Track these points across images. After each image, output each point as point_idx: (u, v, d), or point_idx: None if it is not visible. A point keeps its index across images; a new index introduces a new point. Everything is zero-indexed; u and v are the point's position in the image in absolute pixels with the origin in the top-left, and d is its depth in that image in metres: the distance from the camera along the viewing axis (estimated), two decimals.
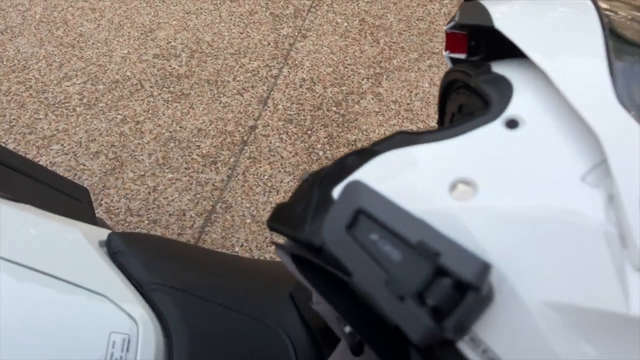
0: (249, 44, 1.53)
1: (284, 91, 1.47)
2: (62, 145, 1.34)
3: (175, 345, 0.49)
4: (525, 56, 0.38)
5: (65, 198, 0.70)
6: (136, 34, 1.53)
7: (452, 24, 0.45)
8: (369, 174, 0.36)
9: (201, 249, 0.60)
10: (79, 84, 1.44)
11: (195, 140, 1.37)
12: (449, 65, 0.50)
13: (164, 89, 1.44)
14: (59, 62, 1.46)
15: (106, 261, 0.51)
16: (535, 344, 0.29)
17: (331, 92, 1.48)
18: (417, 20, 1.62)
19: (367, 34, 1.58)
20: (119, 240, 0.53)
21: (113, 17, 1.55)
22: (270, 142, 1.38)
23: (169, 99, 1.43)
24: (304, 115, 1.43)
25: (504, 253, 0.30)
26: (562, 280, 0.29)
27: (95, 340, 0.46)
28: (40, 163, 1.29)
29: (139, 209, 1.28)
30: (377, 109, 1.46)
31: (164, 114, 1.41)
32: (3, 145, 1.30)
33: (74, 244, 0.51)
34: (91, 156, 1.34)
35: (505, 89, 0.38)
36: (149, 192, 1.30)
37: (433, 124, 1.44)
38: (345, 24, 1.59)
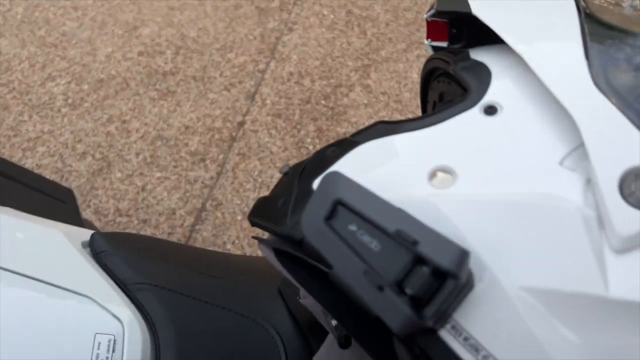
0: (234, 38, 1.52)
1: (272, 85, 1.46)
2: (47, 147, 1.33)
3: (162, 345, 0.48)
4: (504, 42, 0.38)
5: (49, 200, 0.69)
6: (120, 31, 1.52)
7: (432, 11, 0.45)
8: (348, 165, 0.36)
9: (187, 247, 0.59)
10: (63, 84, 1.42)
11: (183, 138, 1.36)
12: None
13: (150, 86, 1.43)
14: (42, 63, 1.44)
15: (89, 262, 0.50)
16: (516, 330, 0.28)
17: (319, 85, 1.47)
18: (404, 10, 1.61)
19: (354, 26, 1.57)
20: (102, 240, 0.53)
21: (96, 16, 1.54)
22: (259, 138, 1.38)
23: (155, 96, 1.42)
24: (292, 110, 1.43)
25: (483, 240, 0.30)
26: (542, 265, 0.29)
27: (80, 342, 0.45)
28: (26, 166, 1.28)
29: (128, 209, 1.27)
30: (366, 101, 1.46)
31: (150, 112, 1.39)
32: None
33: (56, 246, 0.50)
34: (78, 157, 1.32)
35: (483, 75, 0.37)
36: (138, 192, 1.29)
37: None
38: (332, 16, 1.58)
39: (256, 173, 1.33)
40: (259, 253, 1.21)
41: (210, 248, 1.23)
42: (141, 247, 0.56)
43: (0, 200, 0.55)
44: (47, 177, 1.25)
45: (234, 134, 1.37)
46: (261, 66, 1.49)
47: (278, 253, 0.40)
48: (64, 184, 1.28)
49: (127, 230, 1.24)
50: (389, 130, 0.37)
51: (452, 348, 0.29)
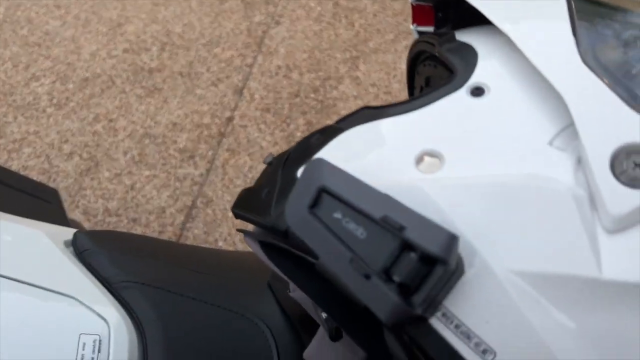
0: (221, 33, 1.50)
1: (260, 80, 1.44)
2: (33, 148, 1.31)
3: (149, 344, 0.47)
4: (490, 23, 0.37)
5: (33, 200, 0.67)
6: (104, 29, 1.50)
7: None
8: (333, 152, 0.35)
9: (175, 244, 0.58)
10: (47, 84, 1.40)
11: (171, 135, 1.34)
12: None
13: (136, 84, 1.41)
14: (26, 63, 1.42)
15: (72, 261, 0.49)
16: (508, 316, 0.28)
17: (308, 78, 1.46)
18: (392, 0, 1.60)
19: (342, 17, 1.56)
20: (86, 238, 0.52)
21: (79, 13, 1.52)
22: (249, 133, 1.36)
23: (142, 94, 1.40)
24: (281, 104, 1.41)
25: (473, 224, 0.29)
26: (533, 248, 0.28)
27: (64, 343, 0.44)
28: (12, 167, 1.26)
29: (117, 209, 1.25)
30: (355, 93, 1.45)
31: (137, 110, 1.38)
32: None
33: (37, 246, 0.49)
34: (65, 157, 1.31)
35: (469, 56, 0.36)
36: (127, 191, 1.27)
37: None
38: (319, 7, 1.57)
39: (246, 169, 1.32)
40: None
41: (202, 246, 1.22)
42: (126, 245, 0.55)
43: None
44: (34, 178, 1.23)
45: (222, 129, 1.36)
46: (248, 60, 1.47)
47: (264, 245, 0.39)
48: (52, 185, 1.26)
49: (117, 230, 1.22)
50: (374, 115, 0.36)
51: (443, 336, 0.28)
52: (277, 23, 1.54)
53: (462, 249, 0.28)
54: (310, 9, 1.56)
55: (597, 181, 0.28)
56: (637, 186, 0.28)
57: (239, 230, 0.42)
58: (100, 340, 0.45)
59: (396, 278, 0.27)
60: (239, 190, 1.30)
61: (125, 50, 1.47)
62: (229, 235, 1.25)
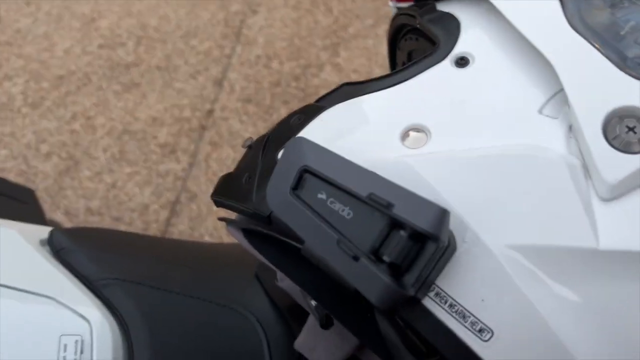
0: (197, 24, 1.47)
1: (240, 70, 1.42)
2: (10, 149, 1.28)
3: (134, 341, 0.46)
4: None
5: (7, 201, 0.65)
6: (77, 24, 1.46)
7: None
8: (314, 131, 0.34)
9: (157, 238, 0.56)
10: (21, 83, 1.37)
11: (151, 131, 1.32)
12: None
13: (113, 80, 1.38)
14: None
15: (49, 260, 0.47)
16: (505, 292, 0.26)
17: (289, 66, 1.44)
18: None
19: (320, 4, 1.53)
20: (62, 236, 0.50)
21: (51, 10, 1.47)
22: (231, 125, 1.34)
23: (119, 90, 1.37)
24: (262, 94, 1.39)
25: (463, 199, 0.28)
26: (528, 220, 0.27)
27: (44, 346, 0.42)
28: None
29: (99, 208, 1.23)
30: (337, 80, 1.43)
31: (115, 107, 1.35)
32: None
33: (10, 246, 0.47)
34: (43, 158, 1.27)
35: (451, 26, 0.35)
36: (108, 189, 1.24)
37: None
38: None
39: (230, 161, 1.29)
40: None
41: (185, 239, 1.20)
42: (105, 241, 0.53)
43: None
44: (12, 180, 1.20)
45: (203, 122, 1.34)
46: (227, 51, 1.45)
47: (248, 233, 0.37)
48: (31, 186, 1.22)
49: (95, 227, 1.20)
50: (355, 92, 0.34)
51: (437, 317, 0.27)
52: (255, 12, 1.51)
53: (453, 224, 0.27)
54: None
55: (590, 148, 0.27)
56: (630, 151, 0.27)
57: (221, 219, 0.40)
58: (82, 341, 0.43)
59: (386, 258, 0.25)
60: None
61: (100, 46, 1.43)
62: (214, 229, 1.23)
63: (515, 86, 0.31)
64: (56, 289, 0.45)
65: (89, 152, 1.29)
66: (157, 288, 0.49)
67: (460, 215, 0.27)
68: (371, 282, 0.25)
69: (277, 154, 0.34)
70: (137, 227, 1.21)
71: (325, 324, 0.42)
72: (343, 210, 0.27)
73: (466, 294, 0.27)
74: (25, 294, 0.43)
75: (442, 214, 0.25)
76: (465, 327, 0.27)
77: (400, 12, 0.42)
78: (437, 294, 0.27)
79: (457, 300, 0.27)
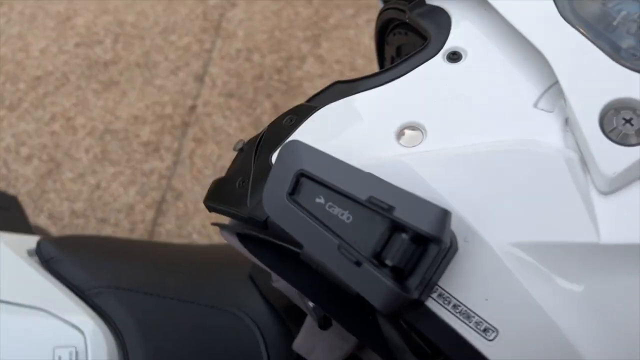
0: (176, 19, 1.45)
1: (221, 65, 1.40)
2: None
3: (130, 350, 0.45)
4: None
5: None
6: (52, 23, 1.43)
7: None
8: (307, 132, 0.33)
9: (148, 243, 0.56)
10: None
11: (134, 129, 1.30)
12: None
13: (92, 78, 1.36)
14: None
15: (38, 271, 0.46)
16: (509, 290, 0.26)
17: (270, 59, 1.42)
18: None
19: None
20: (51, 246, 0.48)
21: (24, 9, 1.44)
22: (214, 121, 1.32)
23: (99, 89, 1.34)
24: (245, 88, 1.37)
25: (463, 197, 0.28)
26: (528, 217, 0.27)
27: (38, 359, 0.41)
28: None
29: (84, 210, 1.21)
30: (320, 72, 1.42)
31: (95, 106, 1.32)
32: None
33: None
34: (23, 161, 1.25)
35: (442, 20, 0.34)
36: (92, 191, 1.22)
37: None
38: None
39: (215, 158, 1.28)
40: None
41: (176, 240, 1.19)
42: (95, 249, 0.52)
43: None
44: None
45: (186, 119, 1.32)
46: (207, 45, 1.43)
47: (242, 238, 0.37)
48: (12, 191, 1.20)
49: (86, 232, 1.18)
50: (347, 90, 0.33)
51: (441, 318, 0.27)
52: (234, 5, 1.49)
53: (453, 224, 0.27)
54: None
55: (587, 141, 0.27)
56: (628, 143, 0.27)
57: (215, 224, 0.40)
58: (77, 352, 0.43)
59: (389, 262, 0.25)
60: (209, 180, 1.27)
61: (76, 45, 1.40)
62: (203, 227, 1.22)
63: (509, 80, 0.31)
64: (47, 301, 0.44)
65: (71, 154, 1.26)
66: (150, 294, 0.48)
67: (460, 215, 0.27)
68: (374, 287, 0.25)
69: (271, 157, 0.33)
70: (123, 228, 1.19)
71: (324, 325, 0.42)
72: (342, 215, 0.27)
73: (469, 293, 0.27)
74: (16, 307, 0.42)
75: (444, 215, 0.25)
76: (470, 327, 0.26)
77: (387, 7, 0.41)
78: (440, 295, 0.27)
79: (460, 300, 0.27)
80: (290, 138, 0.33)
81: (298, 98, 1.36)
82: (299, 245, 0.30)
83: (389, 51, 0.45)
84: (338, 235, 0.26)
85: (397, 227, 0.25)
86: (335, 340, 0.41)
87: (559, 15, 0.30)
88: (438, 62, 0.32)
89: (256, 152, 0.35)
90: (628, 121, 0.27)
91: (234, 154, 0.38)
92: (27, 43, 1.40)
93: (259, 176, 0.33)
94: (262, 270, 0.56)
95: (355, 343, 0.41)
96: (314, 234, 0.27)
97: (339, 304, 0.33)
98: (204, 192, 0.38)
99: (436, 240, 0.25)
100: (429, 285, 0.26)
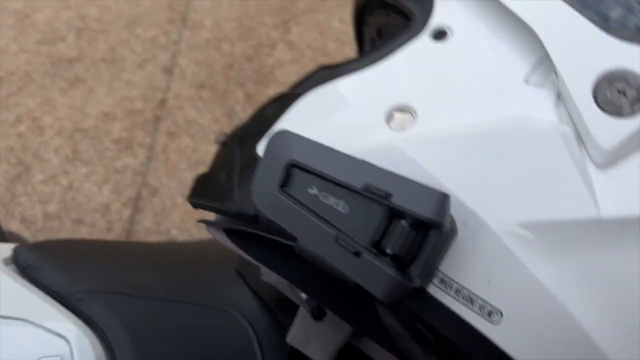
0: (140, 11, 1.41)
1: (189, 56, 1.37)
2: None
3: (118, 353, 0.43)
4: None
5: None
6: (11, 21, 1.37)
7: None
8: (293, 121, 0.32)
9: (129, 243, 0.54)
10: None
11: (104, 127, 1.26)
12: None
13: (57, 76, 1.31)
14: None
15: (16, 279, 0.44)
16: (511, 271, 0.26)
17: (240, 48, 1.40)
18: None
19: None
20: (28, 253, 0.46)
21: None
22: (186, 113, 1.30)
23: (65, 87, 1.30)
24: (216, 78, 1.35)
25: (459, 179, 0.27)
26: (526, 195, 0.26)
27: None
28: None
29: (57, 212, 1.17)
30: (291, 58, 1.40)
31: (62, 105, 1.28)
32: None
33: None
34: None
35: None
36: (65, 192, 1.19)
37: None
38: None
39: (190, 151, 1.26)
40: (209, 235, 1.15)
41: (154, 238, 1.17)
42: (74, 253, 0.50)
43: None
44: None
45: (157, 113, 1.29)
46: (174, 37, 1.39)
47: (230, 233, 0.35)
48: None
49: (61, 234, 1.15)
50: (332, 75, 0.32)
51: (444, 304, 0.26)
52: None
53: (452, 207, 0.26)
54: None
55: (582, 114, 0.26)
56: (623, 114, 0.26)
57: (200, 221, 0.38)
58: None
59: (389, 250, 0.24)
60: (185, 175, 1.25)
61: (38, 42, 1.35)
62: (181, 222, 1.20)
63: (498, 57, 0.30)
64: (28, 310, 0.42)
65: (40, 155, 1.22)
66: (135, 296, 0.47)
67: (458, 197, 0.26)
68: (375, 277, 0.24)
69: (256, 148, 0.32)
70: (100, 228, 1.16)
71: (318, 315, 0.41)
72: (337, 204, 0.26)
73: (472, 277, 0.26)
74: None
75: (444, 199, 0.24)
76: (474, 311, 0.26)
77: None
78: (441, 281, 0.26)
79: (463, 284, 0.26)
80: (276, 127, 0.32)
81: (271, 86, 1.34)
82: (292, 238, 0.29)
83: (370, 32, 0.44)
84: (334, 226, 0.25)
85: (395, 214, 0.24)
86: (330, 331, 0.41)
87: None
88: (424, 41, 0.31)
89: (240, 144, 0.33)
90: (622, 92, 0.26)
91: (209, 146, 0.37)
92: None
93: (245, 169, 0.32)
94: (249, 264, 0.55)
95: (350, 331, 0.40)
96: (309, 226, 0.26)
97: (333, 294, 0.32)
98: (180, 187, 0.36)
99: (437, 225, 0.24)
100: (431, 271, 0.26)
